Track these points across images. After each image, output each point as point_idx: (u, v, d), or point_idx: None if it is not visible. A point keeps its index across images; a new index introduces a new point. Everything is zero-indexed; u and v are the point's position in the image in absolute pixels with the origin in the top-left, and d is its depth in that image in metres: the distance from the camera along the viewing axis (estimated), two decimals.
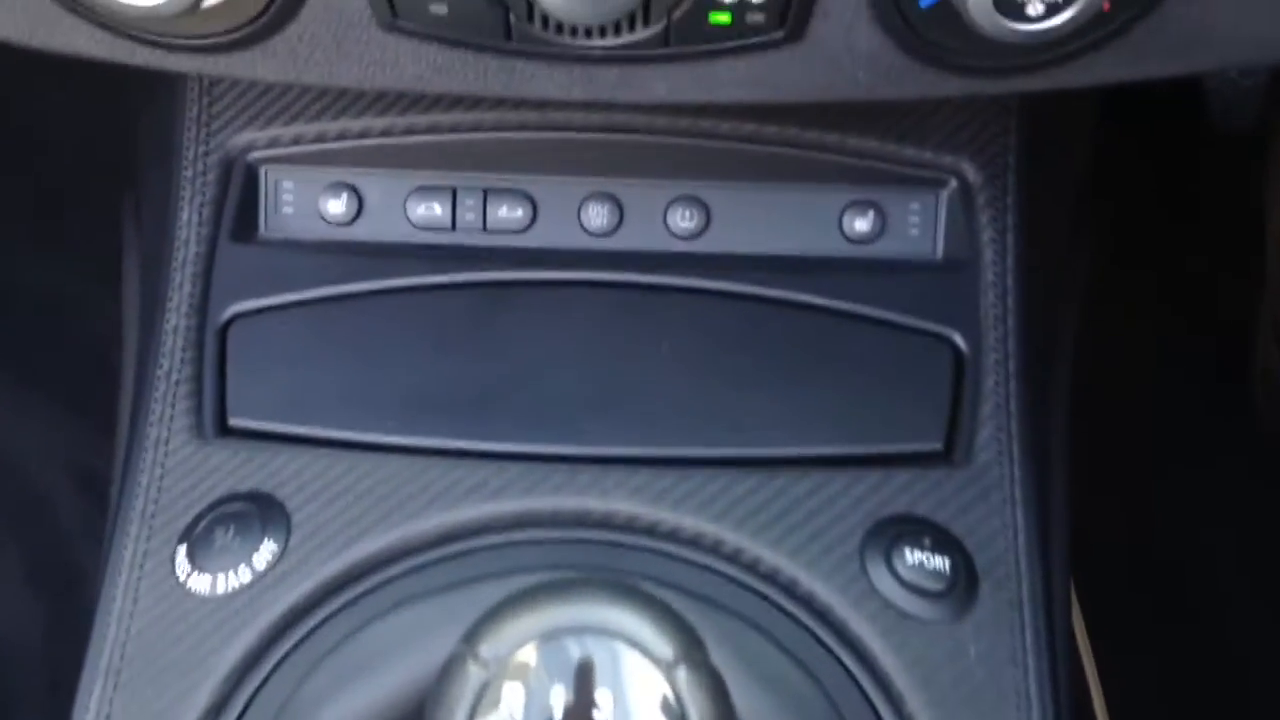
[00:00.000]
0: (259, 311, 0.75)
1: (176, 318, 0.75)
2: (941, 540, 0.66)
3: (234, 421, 0.73)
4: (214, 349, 0.74)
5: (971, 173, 0.78)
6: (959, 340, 0.74)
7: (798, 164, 0.77)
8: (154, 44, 0.59)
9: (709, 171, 0.78)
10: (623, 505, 0.68)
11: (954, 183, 0.78)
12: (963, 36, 0.55)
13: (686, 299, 0.76)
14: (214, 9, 0.56)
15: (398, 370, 0.73)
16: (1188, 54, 0.58)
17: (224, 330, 0.75)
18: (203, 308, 0.75)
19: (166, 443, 0.71)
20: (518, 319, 0.75)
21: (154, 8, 0.53)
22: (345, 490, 0.69)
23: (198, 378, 0.73)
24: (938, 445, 0.72)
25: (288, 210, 0.79)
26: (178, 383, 0.73)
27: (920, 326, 0.75)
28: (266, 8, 0.56)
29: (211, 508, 0.68)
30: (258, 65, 0.59)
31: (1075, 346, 0.85)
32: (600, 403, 0.72)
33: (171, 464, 0.71)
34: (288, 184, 0.79)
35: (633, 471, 0.69)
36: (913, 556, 0.65)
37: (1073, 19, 0.52)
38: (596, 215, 0.78)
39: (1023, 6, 0.52)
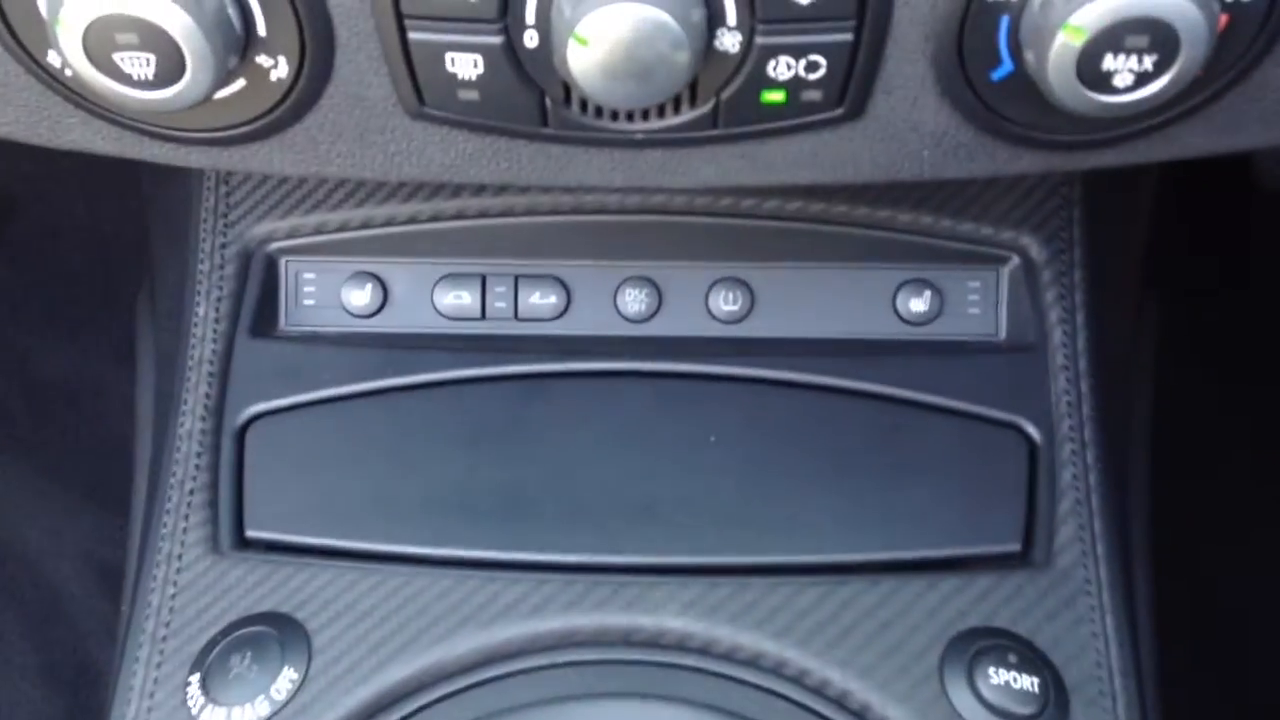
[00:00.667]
0: (278, 412, 0.71)
1: (191, 420, 0.70)
2: (1028, 656, 0.60)
3: (251, 533, 0.68)
4: (231, 454, 0.70)
5: (1035, 248, 0.73)
6: (1031, 429, 0.70)
7: (847, 242, 0.74)
8: (165, 138, 0.55)
9: (752, 252, 0.74)
10: (674, 621, 0.63)
11: (1016, 259, 0.74)
12: (1039, 110, 0.51)
13: (732, 389, 0.71)
14: (228, 100, 0.52)
15: (426, 474, 0.69)
16: None
17: (241, 433, 0.71)
18: (219, 409, 0.71)
19: (179, 558, 0.66)
20: (553, 415, 0.70)
21: (164, 100, 0.49)
22: (371, 609, 0.64)
23: (213, 486, 0.69)
24: (1015, 546, 0.66)
25: (309, 302, 0.75)
26: (192, 492, 0.68)
27: (988, 415, 0.70)
28: (284, 97, 0.52)
29: (226, 631, 0.64)
30: (275, 158, 0.56)
31: (1150, 430, 0.80)
32: (645, 506, 0.67)
33: (185, 581, 0.66)
34: (309, 275, 0.75)
35: (684, 583, 0.64)
36: (998, 675, 0.59)
37: (1164, 90, 0.48)
38: (634, 300, 0.74)
39: (1109, 77, 0.47)
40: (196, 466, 0.69)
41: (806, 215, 0.73)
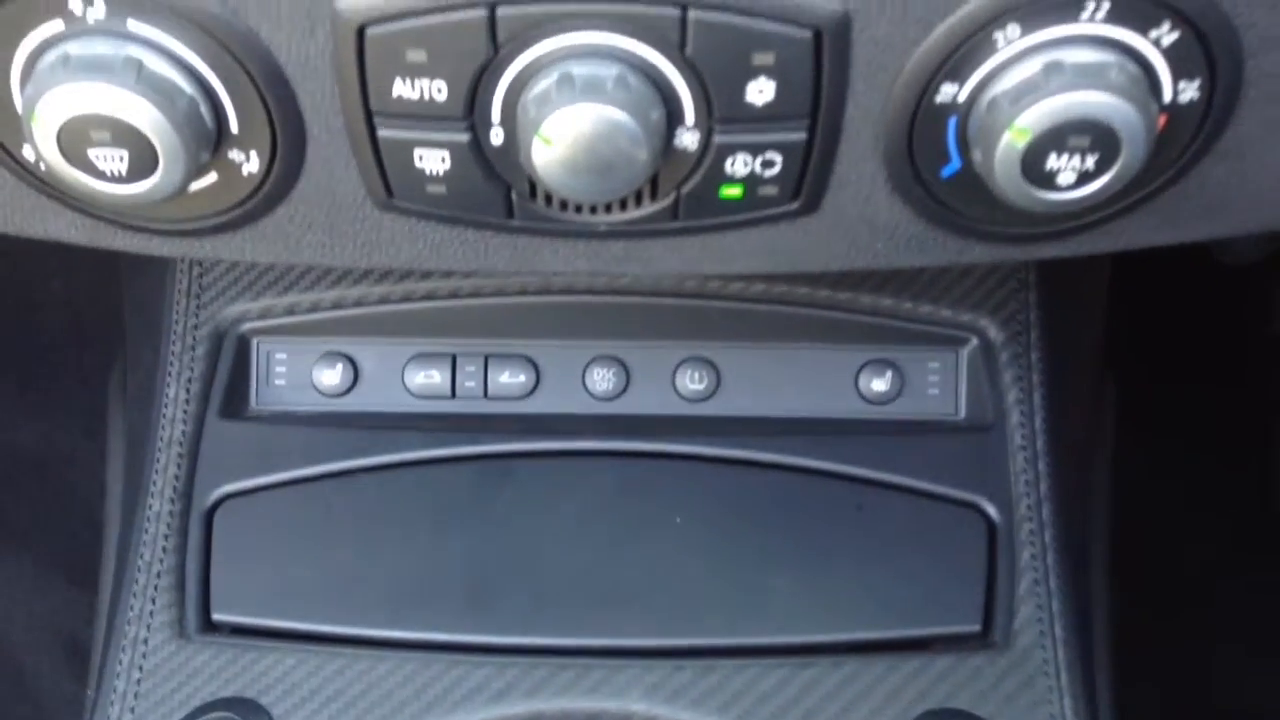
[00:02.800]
0: (247, 493, 0.71)
1: (160, 502, 0.71)
2: None
3: (218, 616, 0.68)
4: (199, 535, 0.70)
5: (993, 330, 0.75)
6: (990, 509, 0.71)
7: (810, 323, 0.75)
8: (138, 229, 0.56)
9: (718, 332, 0.75)
10: (638, 705, 0.64)
11: (974, 341, 0.75)
12: (987, 205, 0.52)
13: (698, 468, 0.72)
14: (200, 193, 0.53)
15: (393, 556, 0.69)
16: (1221, 218, 0.56)
17: (210, 514, 0.71)
18: (188, 491, 0.71)
19: (145, 642, 0.66)
20: (520, 495, 0.71)
21: (137, 194, 0.50)
22: (336, 694, 0.64)
23: (180, 568, 0.69)
24: (975, 626, 0.67)
25: (280, 382, 0.76)
26: (159, 574, 0.69)
27: (947, 494, 0.71)
28: (256, 190, 0.53)
29: (192, 716, 0.64)
30: (247, 247, 0.57)
31: (1111, 509, 0.81)
32: (611, 587, 0.68)
33: (150, 665, 0.66)
34: (280, 355, 0.76)
35: (648, 666, 0.64)
36: None
37: (1106, 187, 0.50)
38: (602, 379, 0.76)
39: (1053, 175, 0.49)
40: (164, 549, 0.69)
41: (770, 297, 0.74)
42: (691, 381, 0.75)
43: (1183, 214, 0.55)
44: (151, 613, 0.67)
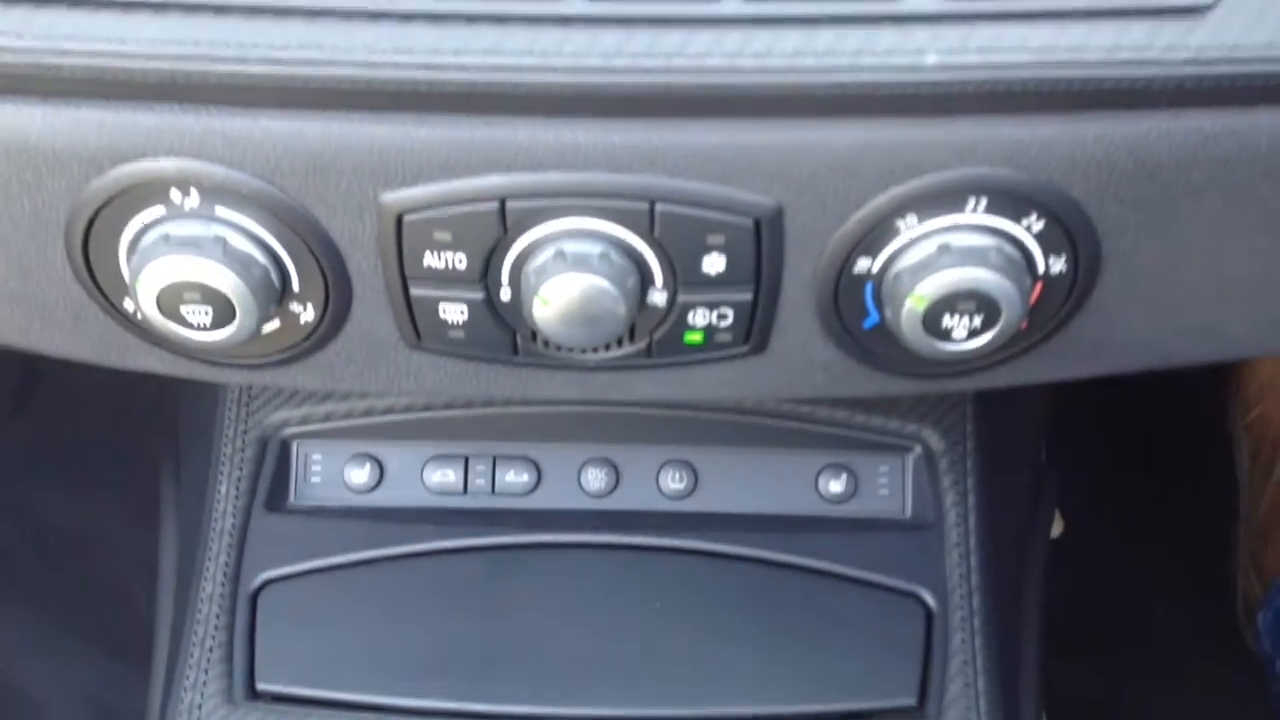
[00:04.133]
0: (288, 578, 0.82)
1: (212, 585, 0.82)
2: None
3: (262, 686, 0.79)
4: (245, 615, 0.81)
5: (934, 439, 0.86)
6: (928, 598, 0.81)
7: (776, 431, 0.86)
8: (213, 363, 0.68)
9: (697, 438, 0.86)
10: None
11: (918, 448, 0.86)
12: (903, 350, 0.63)
13: (677, 559, 0.83)
14: (266, 336, 0.64)
15: (414, 634, 0.80)
16: (1103, 359, 0.67)
17: (255, 596, 0.82)
18: (236, 575, 0.82)
19: (199, 708, 0.77)
20: (524, 582, 0.82)
21: (216, 341, 0.61)
22: None
23: (229, 644, 0.80)
24: (911, 701, 0.77)
25: (315, 480, 0.87)
26: (211, 649, 0.79)
27: (892, 585, 0.81)
28: (310, 334, 0.64)
29: None
30: (299, 377, 0.67)
31: (1043, 596, 0.91)
32: (601, 662, 0.78)
33: None
34: (316, 456, 0.87)
35: None
36: None
37: (992, 341, 0.61)
38: (595, 478, 0.86)
39: (949, 331, 0.60)
40: (215, 626, 0.80)
41: (742, 408, 0.85)
42: (673, 481, 0.86)
43: (1067, 356, 0.66)
44: (205, 682, 0.78)
